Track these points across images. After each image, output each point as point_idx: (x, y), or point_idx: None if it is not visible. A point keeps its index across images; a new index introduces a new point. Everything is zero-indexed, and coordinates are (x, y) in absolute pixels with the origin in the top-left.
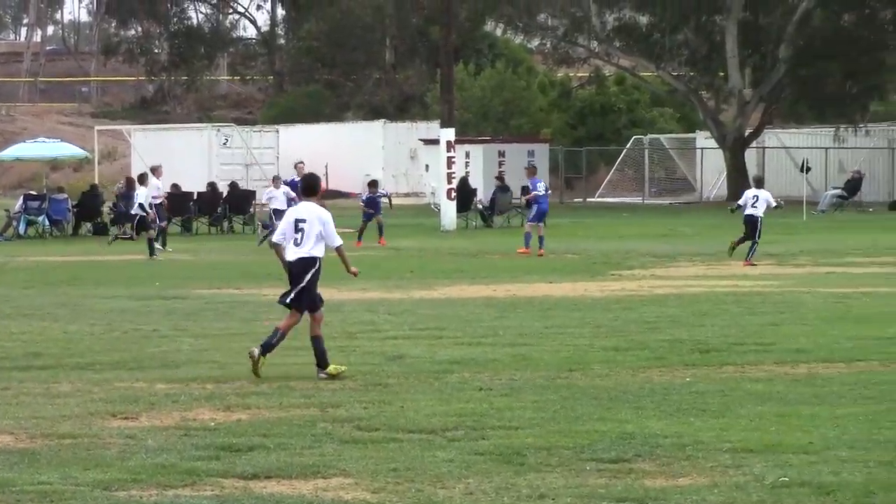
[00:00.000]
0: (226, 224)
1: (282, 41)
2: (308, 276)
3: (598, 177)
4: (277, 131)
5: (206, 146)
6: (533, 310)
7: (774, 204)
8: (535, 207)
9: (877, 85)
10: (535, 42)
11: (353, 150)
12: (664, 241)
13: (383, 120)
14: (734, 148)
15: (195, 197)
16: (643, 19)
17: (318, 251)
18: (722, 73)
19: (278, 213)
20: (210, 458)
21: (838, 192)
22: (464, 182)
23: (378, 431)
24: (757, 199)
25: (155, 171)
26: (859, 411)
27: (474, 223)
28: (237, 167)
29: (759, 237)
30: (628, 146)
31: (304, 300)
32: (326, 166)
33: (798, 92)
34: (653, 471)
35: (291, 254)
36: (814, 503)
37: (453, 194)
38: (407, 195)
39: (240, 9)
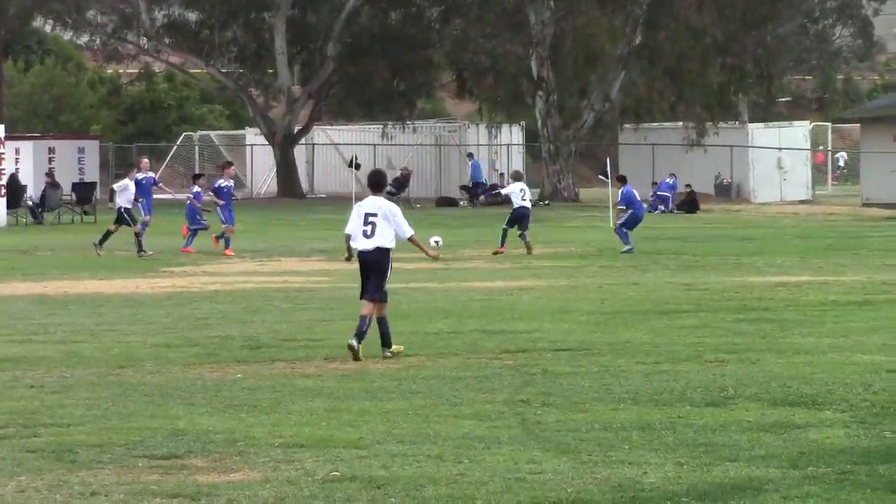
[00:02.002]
0: None
1: None
2: (388, 266)
3: None
4: None
5: None
6: (84, 307)
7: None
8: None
9: (424, 82)
10: (85, 38)
11: None
12: None
13: None
14: (283, 144)
15: None
16: (192, 16)
17: (391, 242)
18: (271, 71)
19: None
20: None
21: (387, 188)
22: (13, 179)
23: None
24: (525, 193)
25: None
26: (408, 406)
27: (24, 220)
28: None
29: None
30: (178, 143)
31: (381, 289)
32: None
33: (346, 89)
34: (205, 466)
35: (363, 244)
36: (364, 497)
37: (3, 191)
38: None
39: None
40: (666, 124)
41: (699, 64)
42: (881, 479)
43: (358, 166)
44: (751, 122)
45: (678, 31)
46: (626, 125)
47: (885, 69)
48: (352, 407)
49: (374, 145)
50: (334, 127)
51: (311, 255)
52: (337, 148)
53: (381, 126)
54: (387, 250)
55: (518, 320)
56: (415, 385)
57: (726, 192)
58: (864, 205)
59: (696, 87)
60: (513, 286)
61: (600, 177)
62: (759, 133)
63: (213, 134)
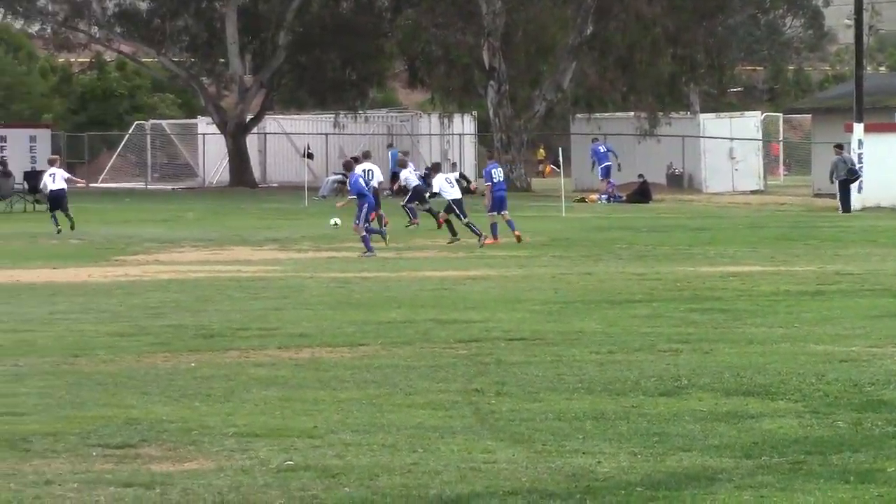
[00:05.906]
0: None
1: None
2: None
3: (100, 162)
4: None
5: None
6: (36, 295)
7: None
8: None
9: (375, 72)
10: (36, 27)
11: None
12: (167, 226)
13: None
14: (235, 134)
15: None
16: (143, 5)
17: None
18: (223, 60)
19: None
20: None
21: (339, 177)
22: None
23: None
24: (452, 183)
25: None
26: (362, 395)
27: None
28: None
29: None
30: (130, 131)
31: None
32: None
33: (298, 79)
34: (159, 455)
35: None
36: (318, 486)
37: None
38: None
39: None
40: (618, 114)
41: (650, 54)
42: (834, 468)
43: (311, 156)
44: (702, 112)
45: (628, 22)
46: (579, 115)
47: (836, 60)
48: (306, 396)
49: (327, 135)
50: (286, 116)
51: (264, 245)
52: (289, 137)
53: (332, 115)
54: None
55: (471, 310)
56: (368, 374)
57: (678, 182)
58: (816, 195)
59: (647, 77)
60: (465, 276)
61: (552, 166)
62: (711, 123)
63: (164, 123)
